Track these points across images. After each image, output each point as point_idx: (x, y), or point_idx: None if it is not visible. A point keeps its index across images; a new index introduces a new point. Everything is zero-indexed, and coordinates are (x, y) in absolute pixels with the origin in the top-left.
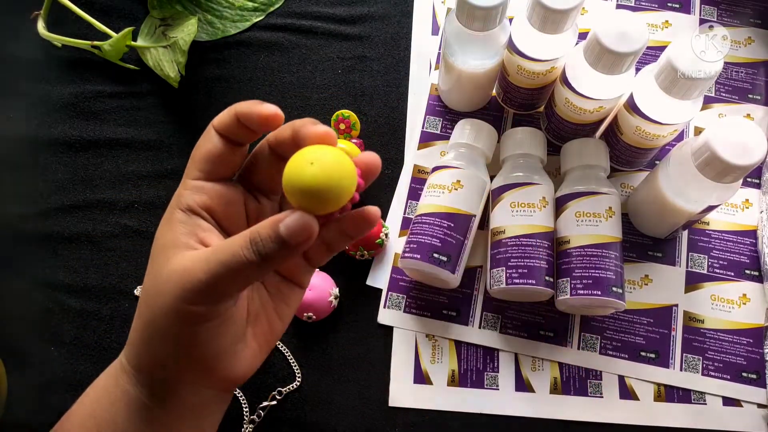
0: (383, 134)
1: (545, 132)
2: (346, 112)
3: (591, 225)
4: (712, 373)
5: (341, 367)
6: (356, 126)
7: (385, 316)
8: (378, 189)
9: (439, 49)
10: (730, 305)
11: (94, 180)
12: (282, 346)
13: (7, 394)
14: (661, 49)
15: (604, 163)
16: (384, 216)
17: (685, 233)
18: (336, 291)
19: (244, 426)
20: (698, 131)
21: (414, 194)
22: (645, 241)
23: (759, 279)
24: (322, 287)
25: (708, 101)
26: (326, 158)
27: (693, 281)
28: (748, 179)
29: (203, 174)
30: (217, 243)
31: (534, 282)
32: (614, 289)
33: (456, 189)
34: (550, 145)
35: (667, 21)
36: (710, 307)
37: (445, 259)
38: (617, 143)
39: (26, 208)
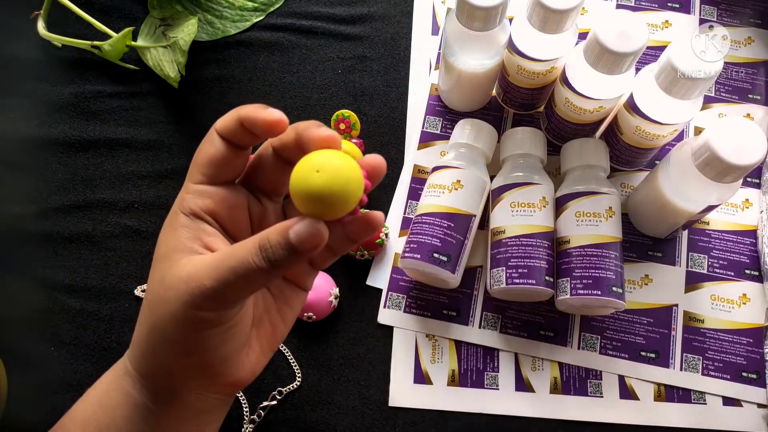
0: (383, 134)
1: (545, 132)
2: (346, 112)
3: (591, 225)
4: (712, 373)
5: (341, 367)
6: (356, 126)
7: (385, 316)
8: (378, 189)
9: (439, 49)
10: (730, 305)
11: (94, 180)
12: (282, 346)
13: (7, 394)
14: (661, 49)
15: (604, 163)
16: (384, 216)
17: (685, 233)
18: (336, 291)
19: (245, 426)
20: (698, 131)
21: (414, 194)
22: (645, 240)
23: (759, 279)
24: (322, 287)
25: (708, 101)
26: (332, 165)
27: (693, 281)
28: (748, 179)
29: (206, 178)
30: (222, 248)
31: (534, 282)
32: (614, 288)
33: (456, 189)
34: (550, 145)
35: (667, 21)
36: (710, 306)
37: (445, 259)
38: (617, 143)
39: (26, 208)
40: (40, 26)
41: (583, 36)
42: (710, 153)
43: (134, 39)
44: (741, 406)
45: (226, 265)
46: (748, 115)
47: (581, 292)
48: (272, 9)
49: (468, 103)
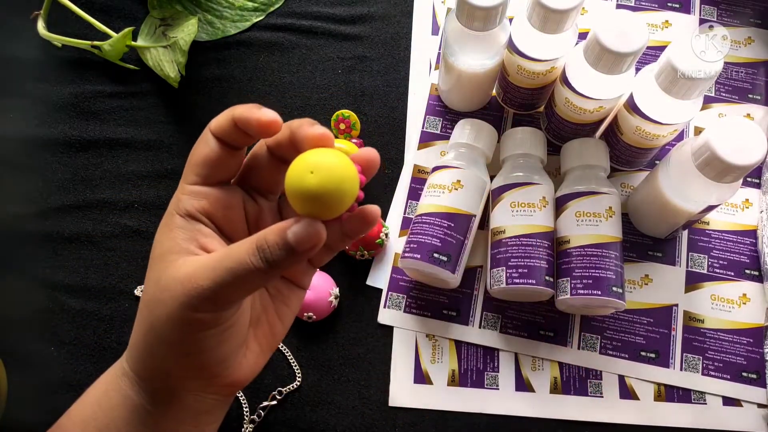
0: (383, 134)
1: (545, 132)
2: (346, 112)
3: (591, 225)
4: (712, 373)
5: (341, 367)
6: (356, 126)
7: (385, 315)
8: (378, 189)
9: (439, 49)
10: (730, 305)
11: (94, 180)
12: (282, 346)
13: (7, 394)
14: (661, 49)
15: (604, 163)
16: (384, 216)
17: (685, 233)
18: (336, 291)
19: (245, 426)
20: (698, 131)
21: (414, 194)
22: (645, 240)
23: (759, 279)
24: (322, 287)
25: (708, 101)
26: (326, 164)
27: (693, 281)
28: (748, 179)
29: (201, 178)
30: (219, 249)
31: (534, 282)
32: (614, 288)
33: (456, 189)
34: (550, 145)
35: (667, 21)
36: (710, 306)
37: (445, 259)
38: (617, 143)
39: (26, 208)
40: (40, 26)
41: (583, 36)
42: (710, 153)
43: (134, 39)
44: (741, 406)
45: (223, 266)
46: (748, 115)
47: (581, 292)
48: (272, 9)
49: (468, 103)
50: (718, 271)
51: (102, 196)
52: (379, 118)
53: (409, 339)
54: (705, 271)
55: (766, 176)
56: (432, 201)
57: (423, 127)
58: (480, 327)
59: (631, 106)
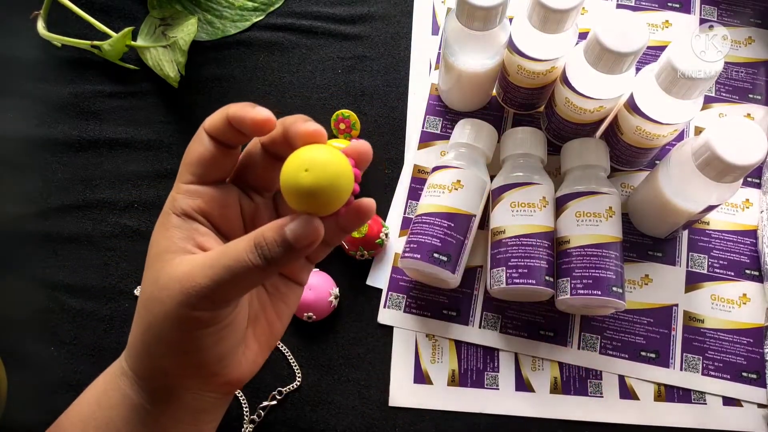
0: (383, 134)
1: (545, 132)
2: (346, 112)
3: (591, 225)
4: (712, 373)
5: (341, 367)
6: (356, 126)
7: (385, 316)
8: (378, 189)
9: (439, 49)
10: (730, 305)
11: (94, 180)
12: (282, 346)
13: (7, 394)
14: (662, 48)
15: (604, 162)
16: (384, 216)
17: (686, 233)
18: (336, 291)
19: (244, 426)
20: (698, 131)
21: (414, 194)
22: (645, 240)
23: (759, 279)
24: (322, 287)
25: (708, 101)
26: (320, 162)
27: (693, 281)
28: (749, 179)
29: (196, 177)
30: (216, 247)
31: (534, 282)
32: (614, 288)
33: (456, 189)
34: (551, 144)
35: (667, 21)
36: (710, 306)
37: (445, 259)
38: (617, 143)
39: (26, 207)
40: (40, 26)
41: (583, 36)
42: (710, 153)
43: (134, 39)
44: (741, 406)
45: (221, 264)
46: (749, 115)
47: (581, 292)
48: (272, 9)
49: (468, 103)
50: (718, 271)
51: (102, 196)
52: (379, 118)
53: (409, 339)
54: (705, 271)
55: (766, 176)
56: (432, 201)
57: (423, 127)
58: (480, 327)
59: (632, 106)
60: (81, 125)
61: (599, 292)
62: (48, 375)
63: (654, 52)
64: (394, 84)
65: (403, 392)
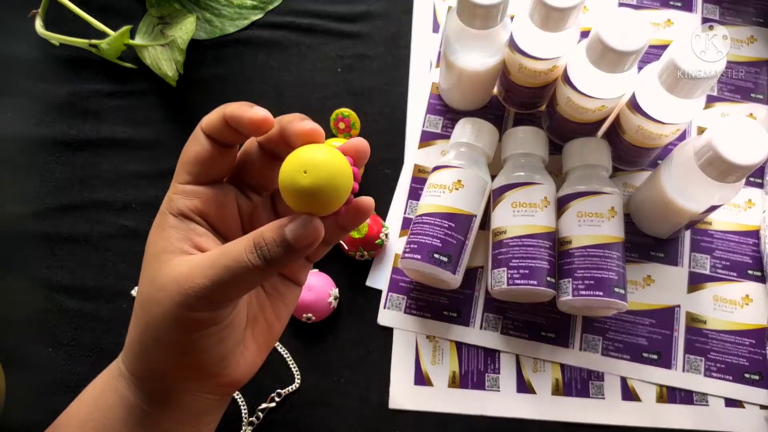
0: (383, 133)
1: (547, 131)
2: (345, 111)
3: (593, 225)
4: (715, 375)
5: (341, 369)
6: (356, 125)
7: (385, 317)
8: (378, 189)
9: (440, 48)
10: (732, 306)
11: (92, 179)
12: (281, 348)
13: (5, 395)
14: (664, 47)
15: (606, 162)
16: (384, 216)
17: (688, 233)
18: (336, 292)
19: (243, 428)
20: (701, 130)
21: (414, 194)
22: (647, 241)
23: (762, 279)
24: (321, 288)
25: (710, 100)
26: (319, 162)
27: (695, 282)
28: (751, 179)
29: (193, 177)
30: (214, 248)
31: (535, 283)
32: (616, 289)
33: (457, 189)
34: (552, 144)
35: (669, 20)
36: (713, 307)
37: (445, 259)
38: (619, 142)
39: (24, 207)
40: (38, 25)
41: (585, 34)
42: (713, 152)
43: (132, 37)
44: (743, 407)
45: (220, 264)
46: (751, 114)
47: (583, 293)
48: (271, 7)
49: (469, 102)
50: (720, 271)
51: (100, 195)
52: (379, 117)
53: (409, 340)
54: (707, 272)
55: None
56: (432, 201)
57: (423, 127)
58: (481, 328)
59: (634, 105)
60: (79, 124)
61: (601, 293)
62: (46, 376)
63: (656, 51)
64: (394, 83)
65: (403, 394)
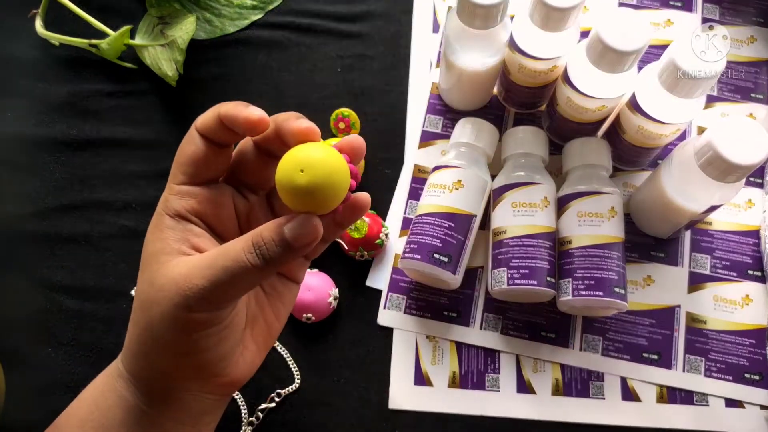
0: (383, 133)
1: (547, 131)
2: (345, 111)
3: (593, 225)
4: (715, 375)
5: (341, 369)
6: (356, 125)
7: (385, 317)
8: (378, 189)
9: (440, 48)
10: (732, 306)
11: (92, 179)
12: (281, 348)
13: (5, 395)
14: (664, 47)
15: (606, 162)
16: (384, 216)
17: (688, 233)
18: (335, 292)
19: (243, 428)
20: (701, 130)
21: (414, 194)
22: (647, 241)
23: (762, 279)
24: (321, 288)
25: (710, 100)
26: (316, 161)
27: (696, 282)
28: (751, 179)
29: (188, 177)
30: (211, 248)
31: (536, 283)
32: (616, 289)
33: (457, 189)
34: (552, 144)
35: (669, 19)
36: (713, 307)
37: (445, 259)
38: (619, 142)
39: (23, 208)
40: (38, 25)
41: (585, 34)
42: (713, 152)
43: (132, 37)
44: (743, 407)
45: (219, 264)
46: (751, 114)
47: (583, 293)
48: (271, 7)
49: (469, 102)
50: (720, 271)
51: (100, 195)
52: (379, 117)
53: (409, 340)
54: (708, 272)
55: None
56: (432, 201)
57: (423, 126)
58: (481, 328)
59: (634, 105)
60: (79, 124)
61: (601, 293)
62: (46, 376)
63: (656, 51)
64: (394, 83)
65: (403, 394)
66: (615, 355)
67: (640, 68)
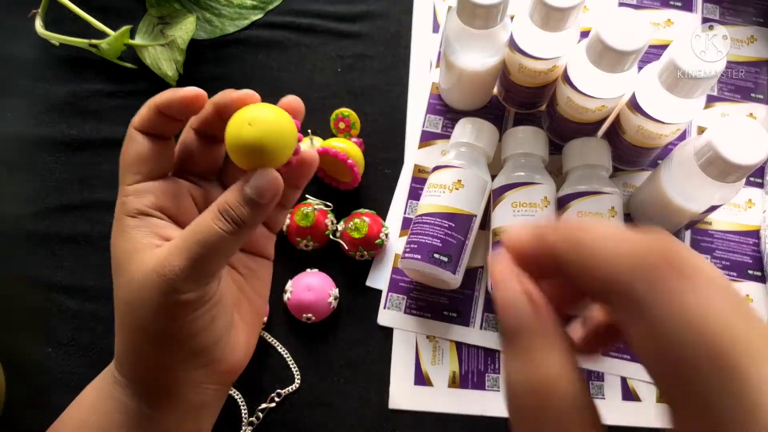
0: (383, 133)
1: (547, 131)
2: (345, 111)
3: None
4: None
5: (341, 369)
6: (356, 125)
7: (385, 317)
8: (378, 189)
9: (440, 48)
10: None
11: (92, 179)
12: (281, 348)
13: (5, 395)
14: (664, 47)
15: (606, 162)
16: (384, 216)
17: (688, 233)
18: (335, 292)
19: (243, 428)
20: (701, 130)
21: (414, 194)
22: None
23: (762, 279)
24: (321, 288)
25: (710, 100)
26: (262, 114)
27: None
28: (751, 179)
29: (139, 176)
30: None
31: None
32: None
33: (457, 189)
34: (552, 144)
35: (669, 19)
36: None
37: (445, 259)
38: (619, 142)
39: (24, 208)
40: (38, 25)
41: (585, 34)
42: (713, 152)
43: (132, 37)
44: None
45: (194, 240)
46: (751, 114)
47: None
48: (271, 7)
49: (469, 102)
50: (720, 271)
51: (100, 196)
52: (379, 117)
53: (409, 340)
54: None
55: None
56: (432, 201)
57: (423, 126)
58: (481, 328)
59: (634, 105)
60: (79, 124)
61: None
62: (46, 376)
63: (656, 50)
64: (394, 83)
65: (403, 394)
66: (615, 354)
67: (640, 68)
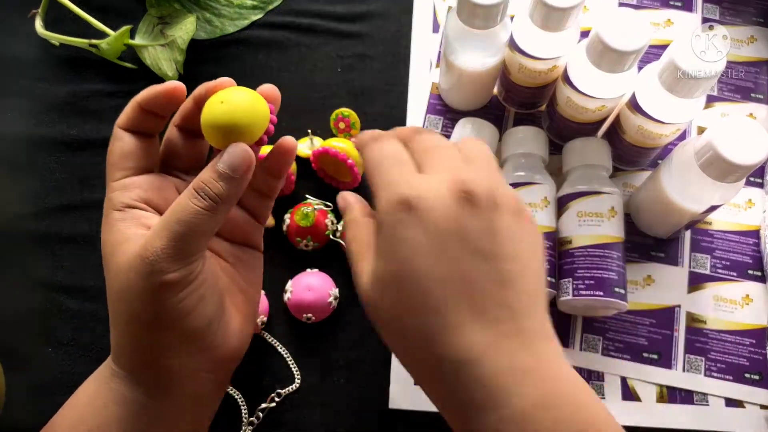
0: None
1: (547, 131)
2: (345, 111)
3: (593, 225)
4: (715, 374)
5: (341, 369)
6: (356, 125)
7: None
8: None
9: (440, 48)
10: (732, 306)
11: (92, 179)
12: (281, 348)
13: (5, 395)
14: (664, 47)
15: (606, 162)
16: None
17: (688, 233)
18: (336, 292)
19: (243, 428)
20: (701, 130)
21: None
22: (647, 241)
23: (762, 279)
24: (321, 288)
25: (710, 100)
26: (232, 92)
27: (696, 282)
28: (751, 179)
29: (125, 172)
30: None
31: None
32: (617, 289)
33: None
34: (552, 144)
35: (669, 19)
36: (713, 307)
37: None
38: (619, 142)
39: (23, 208)
40: (38, 25)
41: (585, 34)
42: (713, 152)
43: (132, 37)
44: (743, 407)
45: (173, 220)
46: (751, 114)
47: (583, 293)
48: (271, 7)
49: (469, 102)
50: (720, 271)
51: (100, 195)
52: (379, 117)
53: None
54: (708, 272)
55: None
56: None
57: (423, 126)
58: None
59: (634, 105)
60: (79, 124)
61: (602, 293)
62: (46, 375)
63: (656, 50)
64: (394, 83)
65: (403, 394)
66: (615, 354)
67: (640, 68)
